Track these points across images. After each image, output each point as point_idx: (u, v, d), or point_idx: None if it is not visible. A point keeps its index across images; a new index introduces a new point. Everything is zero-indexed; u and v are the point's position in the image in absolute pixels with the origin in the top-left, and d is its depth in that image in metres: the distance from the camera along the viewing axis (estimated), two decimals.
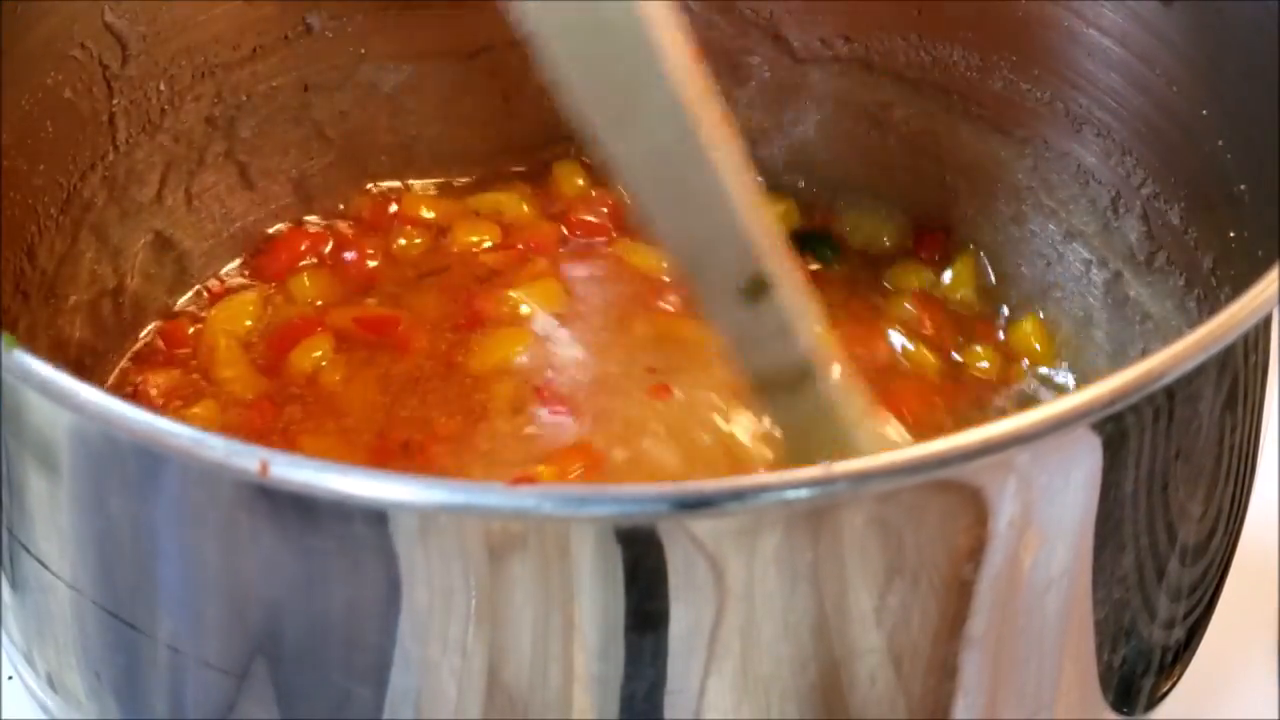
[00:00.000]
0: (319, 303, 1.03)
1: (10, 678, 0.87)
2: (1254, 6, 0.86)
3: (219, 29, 1.00)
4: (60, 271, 0.95)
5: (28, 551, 0.72)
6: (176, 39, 0.99)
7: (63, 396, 0.64)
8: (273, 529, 0.64)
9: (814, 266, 1.05)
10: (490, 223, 1.08)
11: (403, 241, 1.07)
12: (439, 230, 1.08)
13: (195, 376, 0.99)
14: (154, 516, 0.66)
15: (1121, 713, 0.78)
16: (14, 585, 0.75)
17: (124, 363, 1.00)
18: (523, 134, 1.14)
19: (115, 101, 0.97)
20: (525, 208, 1.09)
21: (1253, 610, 0.94)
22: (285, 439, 0.95)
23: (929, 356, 1.00)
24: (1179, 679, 0.82)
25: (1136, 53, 0.96)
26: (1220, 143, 0.90)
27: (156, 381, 0.98)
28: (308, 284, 1.04)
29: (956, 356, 1.01)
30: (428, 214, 1.09)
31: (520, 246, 1.07)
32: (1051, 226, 1.05)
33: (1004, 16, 1.02)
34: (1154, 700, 0.80)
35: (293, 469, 0.59)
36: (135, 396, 0.97)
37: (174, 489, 0.65)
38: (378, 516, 0.62)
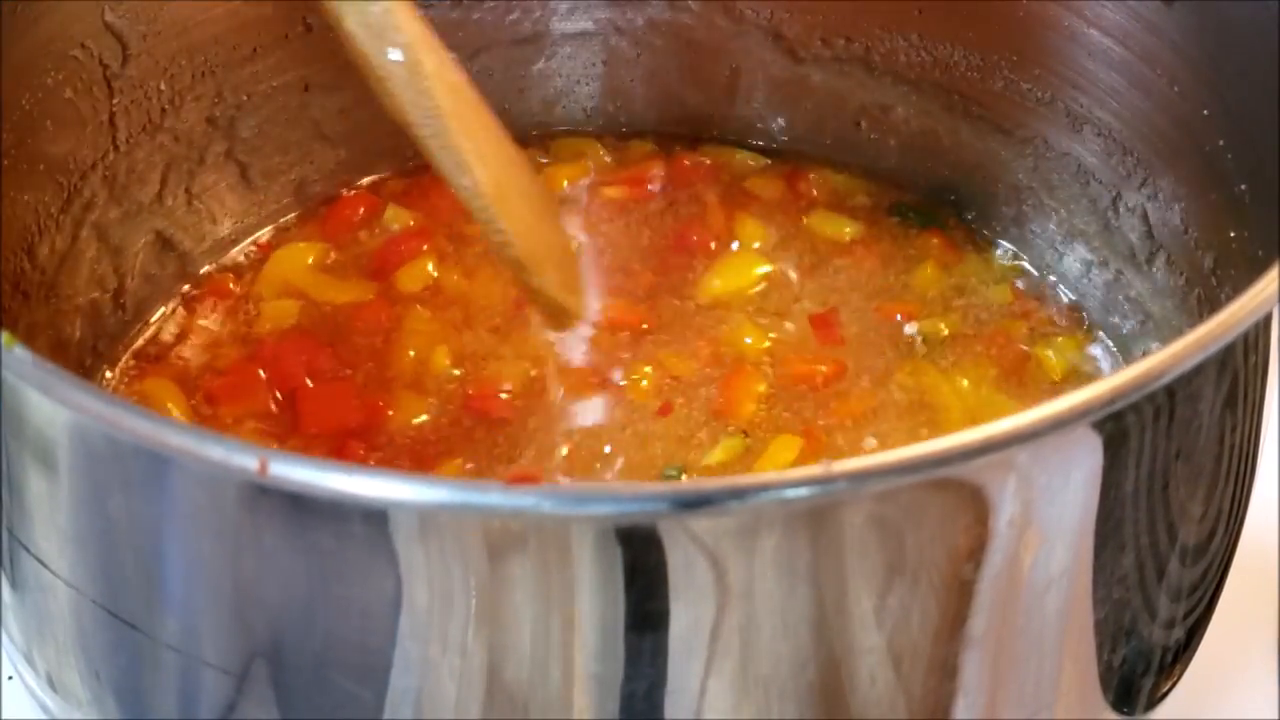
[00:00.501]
0: (411, 224, 1.06)
1: (10, 678, 0.87)
2: (1255, 6, 0.86)
3: (219, 29, 1.00)
4: (61, 271, 0.95)
5: (27, 551, 0.72)
6: (177, 39, 0.99)
7: (63, 396, 0.64)
8: (273, 529, 0.64)
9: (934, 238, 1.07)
10: (580, 164, 1.11)
11: None
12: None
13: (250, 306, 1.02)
14: (154, 516, 0.66)
15: (1122, 713, 0.78)
16: (14, 585, 0.75)
17: (173, 304, 1.03)
18: (518, 130, 1.14)
19: (115, 101, 0.97)
20: (602, 151, 1.13)
21: (1253, 610, 0.94)
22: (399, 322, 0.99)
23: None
24: (1179, 679, 0.82)
25: (1137, 52, 0.96)
26: (1221, 142, 0.90)
27: (214, 316, 1.02)
28: (393, 214, 1.07)
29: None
30: None
31: (628, 180, 1.10)
32: (1052, 226, 1.05)
33: (1004, 16, 1.02)
34: (1154, 700, 0.80)
35: (291, 468, 0.59)
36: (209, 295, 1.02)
37: (174, 488, 0.65)
38: (378, 516, 0.62)
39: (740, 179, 1.10)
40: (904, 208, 1.09)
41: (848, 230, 1.06)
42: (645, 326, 1.00)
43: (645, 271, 1.03)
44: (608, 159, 1.12)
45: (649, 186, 1.09)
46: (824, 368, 0.97)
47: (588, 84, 1.14)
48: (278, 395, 0.95)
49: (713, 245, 1.05)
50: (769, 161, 1.12)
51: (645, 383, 0.96)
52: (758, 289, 1.02)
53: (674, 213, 1.08)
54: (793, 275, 1.03)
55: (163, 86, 0.99)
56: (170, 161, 1.01)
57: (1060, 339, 1.01)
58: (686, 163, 1.11)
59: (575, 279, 0.86)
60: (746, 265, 1.04)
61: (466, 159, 0.78)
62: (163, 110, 0.99)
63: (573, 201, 1.09)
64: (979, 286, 1.04)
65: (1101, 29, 0.97)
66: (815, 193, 1.10)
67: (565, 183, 1.10)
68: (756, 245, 1.05)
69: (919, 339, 1.00)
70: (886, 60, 1.08)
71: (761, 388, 0.96)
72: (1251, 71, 0.87)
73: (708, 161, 1.12)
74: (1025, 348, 1.00)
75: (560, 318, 0.83)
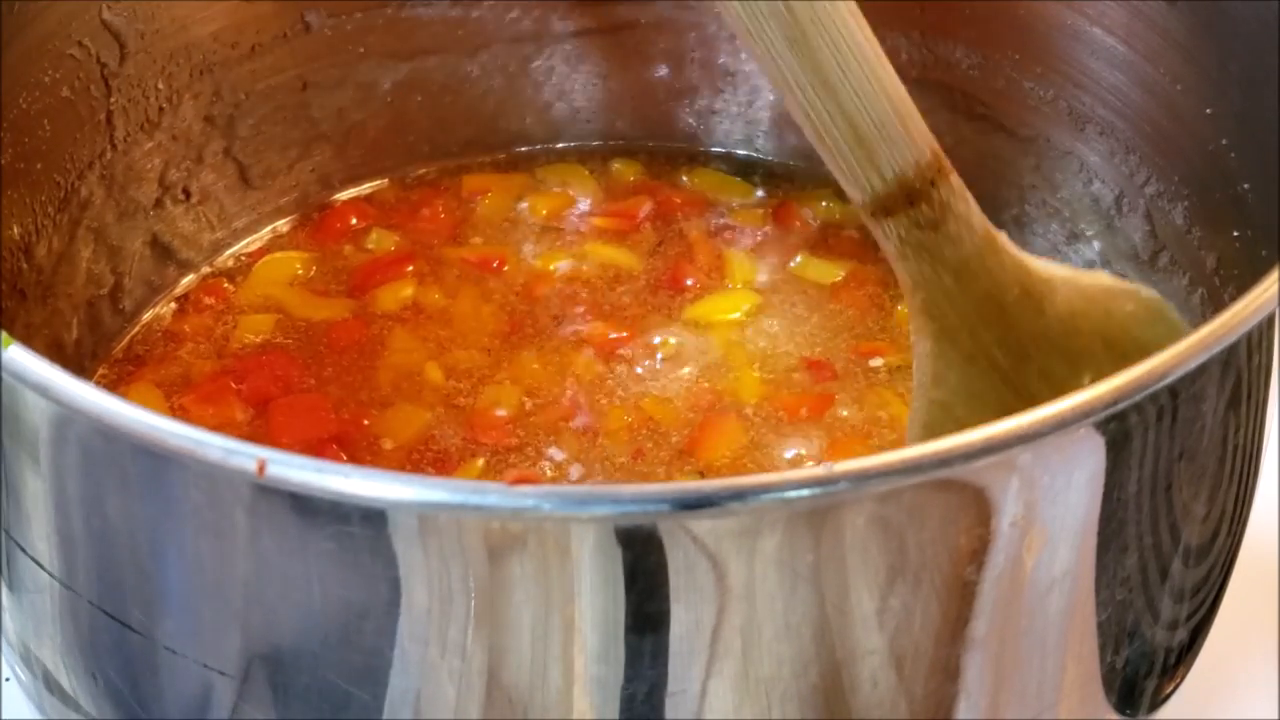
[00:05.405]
0: (393, 248, 1.06)
1: (8, 679, 0.87)
2: (1258, 5, 0.86)
3: (217, 27, 1.00)
4: (58, 271, 0.95)
5: (24, 552, 0.72)
6: (174, 37, 0.99)
7: (61, 397, 0.63)
8: (271, 529, 0.64)
9: None
10: (565, 195, 1.12)
11: (487, 201, 1.10)
12: (514, 197, 1.12)
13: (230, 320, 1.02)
14: (151, 516, 0.66)
15: (1124, 714, 0.77)
16: (11, 586, 0.75)
17: (163, 308, 1.03)
18: (517, 131, 1.14)
19: (113, 100, 0.96)
20: (587, 173, 1.13)
21: (1256, 611, 0.94)
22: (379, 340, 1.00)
23: None
24: (1182, 680, 0.81)
25: (1140, 51, 0.96)
26: (1224, 141, 0.90)
27: (199, 321, 1.02)
28: (377, 237, 1.07)
29: None
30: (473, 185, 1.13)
31: (615, 214, 1.10)
32: (1055, 226, 1.05)
33: (1007, 15, 1.02)
34: (1157, 702, 0.80)
35: (289, 468, 0.59)
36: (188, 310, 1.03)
37: (172, 489, 0.65)
38: (377, 516, 0.62)
39: (726, 214, 1.09)
40: None
41: (837, 274, 1.05)
42: (644, 365, 0.99)
43: (634, 305, 1.03)
44: (595, 187, 1.12)
45: (638, 218, 1.09)
46: (809, 399, 0.96)
47: (587, 83, 1.14)
48: (250, 407, 0.95)
49: (701, 281, 1.04)
50: (761, 193, 1.11)
51: (625, 417, 0.96)
52: (750, 330, 1.01)
53: (662, 252, 1.07)
54: (786, 319, 1.02)
55: (160, 85, 0.99)
56: (168, 160, 1.01)
57: None
58: (677, 200, 1.10)
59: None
60: (737, 304, 1.03)
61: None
62: (160, 109, 0.99)
63: (559, 232, 1.08)
64: None
65: (1104, 27, 0.97)
66: (802, 226, 1.09)
67: (544, 212, 1.10)
68: (743, 285, 1.04)
69: (884, 369, 0.98)
70: (888, 59, 1.08)
71: (742, 436, 0.95)
72: (1255, 70, 0.87)
73: (696, 194, 1.11)
74: None
75: None
